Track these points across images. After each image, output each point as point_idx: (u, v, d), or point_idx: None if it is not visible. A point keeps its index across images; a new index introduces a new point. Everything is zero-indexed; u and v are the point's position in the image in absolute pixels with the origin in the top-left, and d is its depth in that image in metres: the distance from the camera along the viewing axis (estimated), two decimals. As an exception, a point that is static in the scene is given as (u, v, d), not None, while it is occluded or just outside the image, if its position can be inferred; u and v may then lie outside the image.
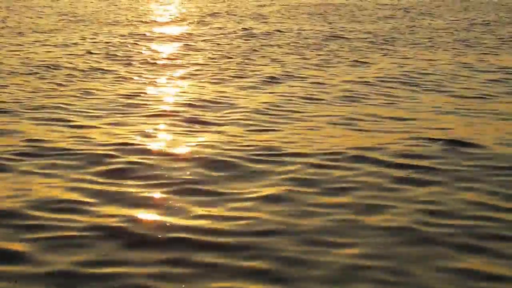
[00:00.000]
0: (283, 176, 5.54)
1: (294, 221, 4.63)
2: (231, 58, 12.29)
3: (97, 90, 9.24)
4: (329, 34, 15.90)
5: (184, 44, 14.23)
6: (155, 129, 7.09)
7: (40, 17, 19.85)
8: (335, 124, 7.37)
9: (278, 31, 16.51)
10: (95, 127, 7.21)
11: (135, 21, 19.13)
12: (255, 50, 13.23)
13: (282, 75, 10.42)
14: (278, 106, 8.24)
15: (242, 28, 17.13)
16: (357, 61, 11.96)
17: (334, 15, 20.79)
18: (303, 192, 5.19)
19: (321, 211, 4.81)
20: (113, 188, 5.25)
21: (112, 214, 4.75)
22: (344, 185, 5.37)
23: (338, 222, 4.62)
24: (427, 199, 5.06)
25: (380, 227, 4.53)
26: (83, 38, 15.02)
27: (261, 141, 6.59)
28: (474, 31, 16.71)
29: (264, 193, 5.16)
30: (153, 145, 6.42)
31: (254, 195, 5.12)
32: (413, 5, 24.84)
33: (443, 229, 4.52)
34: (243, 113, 7.81)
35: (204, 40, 14.84)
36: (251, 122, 7.41)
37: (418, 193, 5.18)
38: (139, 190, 5.23)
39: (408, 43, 14.45)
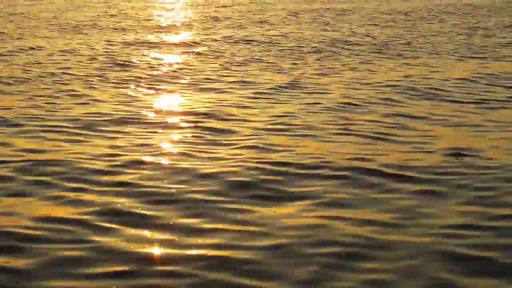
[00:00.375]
0: (295, 191, 5.46)
1: (307, 241, 4.56)
2: (233, 65, 12.24)
3: (98, 99, 9.17)
4: (330, 39, 15.84)
5: (186, 51, 14.18)
6: (159, 141, 6.95)
7: (39, 23, 19.80)
8: (341, 133, 7.29)
9: (281, 36, 16.46)
10: (97, 136, 7.13)
11: (135, 27, 19.08)
12: (258, 58, 13.16)
13: (285, 82, 10.34)
14: (284, 115, 8.08)
15: (245, 34, 17.09)
16: (358, 68, 11.92)
17: (335, 20, 20.74)
18: (317, 206, 5.11)
19: (336, 227, 4.75)
20: (116, 204, 5.19)
21: (115, 230, 4.70)
22: (348, 198, 5.33)
23: (355, 239, 4.55)
24: (436, 212, 5.02)
25: (398, 243, 4.47)
26: (81, 44, 14.98)
27: (270, 153, 6.48)
28: (476, 35, 16.65)
29: (276, 209, 5.09)
30: (156, 158, 6.30)
31: (267, 212, 5.03)
32: (414, 9, 24.78)
33: (459, 241, 4.48)
34: (250, 123, 7.67)
35: (206, 47, 14.78)
36: (259, 133, 7.26)
37: (429, 208, 5.13)
38: (143, 206, 5.17)
39: (410, 48, 14.39)
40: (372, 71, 11.50)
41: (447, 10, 24.22)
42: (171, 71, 11.60)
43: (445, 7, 25.51)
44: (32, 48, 14.28)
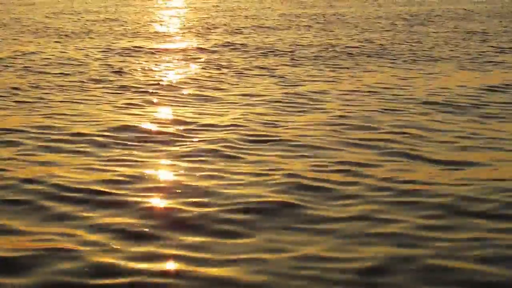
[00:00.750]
0: (305, 207, 5.35)
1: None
2: (232, 73, 12.16)
3: (94, 108, 9.01)
4: (328, 45, 15.80)
5: (184, 59, 14.10)
6: (158, 155, 6.70)
7: (36, 29, 19.74)
8: (345, 144, 7.19)
9: (280, 42, 16.41)
10: (93, 148, 7.00)
11: (134, 33, 19.03)
12: (257, 65, 13.09)
13: (285, 91, 10.23)
14: (286, 127, 7.89)
15: (243, 40, 17.03)
16: (356, 74, 11.88)
17: (334, 25, 20.70)
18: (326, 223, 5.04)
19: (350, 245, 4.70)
20: (116, 223, 5.09)
21: (115, 247, 4.64)
22: (357, 213, 5.27)
23: (371, 254, 4.49)
24: (439, 225, 4.97)
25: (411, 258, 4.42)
26: (77, 51, 14.92)
27: (274, 165, 6.31)
28: (475, 41, 16.62)
29: (290, 226, 5.02)
30: (156, 173, 6.12)
31: (280, 230, 4.92)
32: (412, 14, 24.75)
33: (470, 254, 4.43)
34: (251, 134, 7.44)
35: (204, 54, 14.71)
36: (259, 145, 7.03)
37: (431, 220, 5.08)
38: (142, 222, 5.08)
39: (409, 54, 14.33)
40: (371, 77, 11.45)
41: (446, 15, 24.19)
42: (169, 79, 11.48)
43: (443, 12, 25.48)
44: (32, 53, 14.21)
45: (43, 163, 6.44)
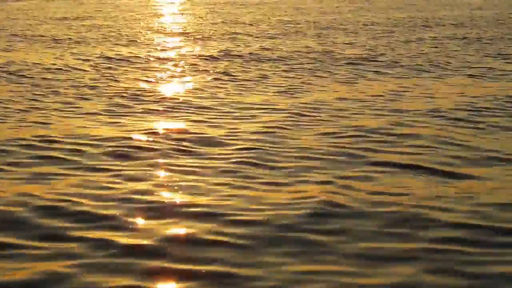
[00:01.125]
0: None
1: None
2: (229, 82, 12.07)
3: (86, 121, 8.83)
4: (324, 52, 15.73)
5: (183, 66, 13.99)
6: (157, 171, 6.45)
7: (31, 34, 19.63)
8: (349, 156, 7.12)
9: (276, 49, 16.32)
10: (86, 162, 6.83)
11: (125, 42, 18.93)
12: (255, 73, 12.98)
13: (286, 103, 10.14)
14: (289, 144, 7.59)
15: (239, 47, 16.94)
16: (354, 83, 11.81)
17: (331, 31, 20.62)
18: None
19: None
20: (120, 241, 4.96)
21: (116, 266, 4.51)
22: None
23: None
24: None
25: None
26: (71, 57, 14.81)
27: (279, 188, 6.02)
28: (472, 48, 16.54)
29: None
30: (154, 191, 5.92)
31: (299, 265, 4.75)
32: (410, 20, 24.69)
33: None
34: (266, 151, 7.15)
35: (199, 60, 14.60)
36: (280, 163, 6.70)
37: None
38: (146, 245, 4.96)
39: (406, 61, 14.26)
40: (368, 86, 11.38)
41: (443, 22, 24.14)
42: (166, 88, 11.32)
43: (440, 18, 25.44)
44: (25, 60, 14.08)
45: (36, 175, 6.29)
